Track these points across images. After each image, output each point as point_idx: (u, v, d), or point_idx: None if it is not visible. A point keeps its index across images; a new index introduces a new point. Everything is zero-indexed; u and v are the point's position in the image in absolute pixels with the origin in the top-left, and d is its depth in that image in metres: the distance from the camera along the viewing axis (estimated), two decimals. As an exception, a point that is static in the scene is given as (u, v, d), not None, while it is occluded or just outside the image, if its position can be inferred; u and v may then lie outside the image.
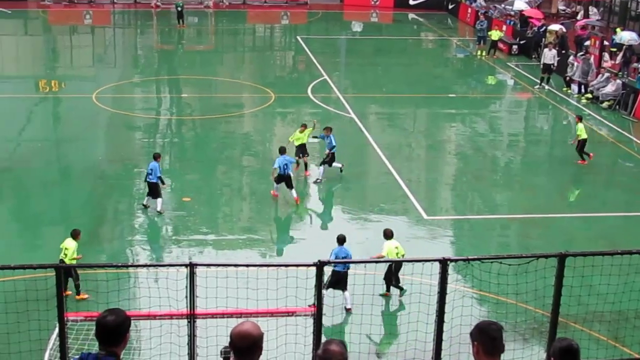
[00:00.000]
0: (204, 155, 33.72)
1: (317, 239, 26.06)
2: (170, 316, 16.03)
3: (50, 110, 42.76)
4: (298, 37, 61.72)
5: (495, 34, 54.48)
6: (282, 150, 28.52)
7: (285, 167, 28.13)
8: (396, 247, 21.57)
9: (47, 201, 29.10)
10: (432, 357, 14.69)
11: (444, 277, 13.97)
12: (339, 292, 20.91)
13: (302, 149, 31.21)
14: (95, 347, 7.50)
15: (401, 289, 21.66)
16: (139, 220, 27.54)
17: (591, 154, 33.67)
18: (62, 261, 21.13)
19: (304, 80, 47.76)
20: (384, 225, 27.36)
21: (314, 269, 13.95)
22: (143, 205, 27.56)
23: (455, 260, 16.67)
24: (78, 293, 21.48)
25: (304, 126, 31.69)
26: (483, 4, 67.52)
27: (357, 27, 70.06)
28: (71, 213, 28.27)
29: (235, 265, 14.58)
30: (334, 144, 30.52)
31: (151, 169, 27.11)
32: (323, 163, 30.74)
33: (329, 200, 30.33)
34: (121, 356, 7.29)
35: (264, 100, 42.39)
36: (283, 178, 28.25)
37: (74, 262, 21.28)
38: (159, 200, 27.38)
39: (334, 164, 30.95)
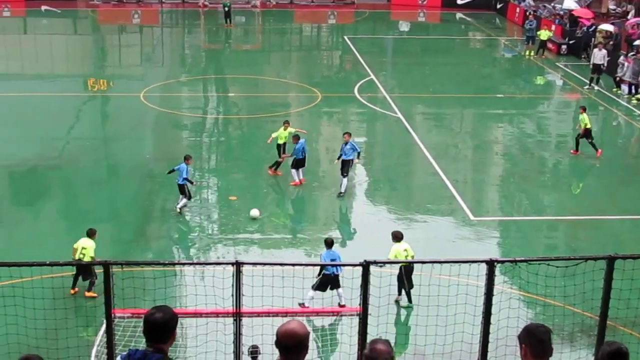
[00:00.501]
0: (250, 155, 33.80)
1: (363, 239, 26.02)
2: (216, 314, 16.05)
3: (99, 108, 43.12)
4: (345, 37, 61.65)
5: (544, 34, 54.04)
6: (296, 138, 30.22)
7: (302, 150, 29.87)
8: (405, 250, 21.32)
9: (94, 199, 29.33)
10: (478, 358, 14.58)
11: (491, 279, 13.86)
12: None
13: (282, 148, 31.26)
14: (142, 344, 7.53)
15: (410, 300, 20.95)
16: (186, 218, 27.66)
17: (599, 150, 34.04)
18: (80, 261, 21.31)
19: (350, 80, 47.70)
20: (430, 225, 27.37)
21: (359, 268, 13.91)
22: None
23: (503, 262, 16.52)
24: (89, 290, 21.65)
25: (288, 123, 31.76)
26: (532, 3, 66.94)
27: (404, 26, 69.86)
28: (118, 211, 28.49)
29: (282, 265, 14.56)
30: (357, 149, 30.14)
31: (179, 170, 27.22)
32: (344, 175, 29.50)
33: (375, 200, 30.26)
34: (168, 353, 7.30)
35: (310, 100, 42.41)
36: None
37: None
38: (183, 199, 27.37)
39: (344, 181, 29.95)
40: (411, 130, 37.37)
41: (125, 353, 7.47)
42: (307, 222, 28.19)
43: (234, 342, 14.35)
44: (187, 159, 27.38)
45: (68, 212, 28.17)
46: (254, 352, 16.19)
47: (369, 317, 14.33)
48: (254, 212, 26.52)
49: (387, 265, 20.86)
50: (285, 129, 31.23)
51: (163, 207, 28.93)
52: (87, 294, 21.57)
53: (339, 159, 29.46)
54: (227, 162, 33.42)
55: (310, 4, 74.40)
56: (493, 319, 14.08)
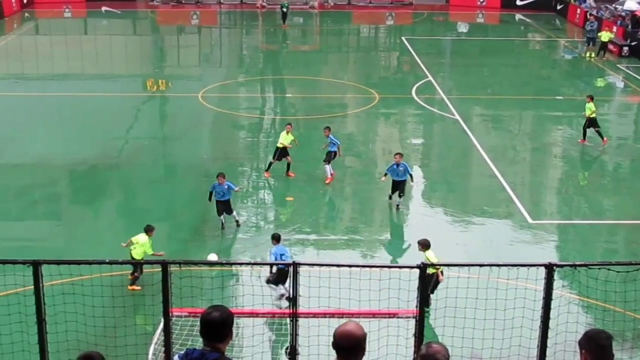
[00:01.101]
0: (306, 155, 33.82)
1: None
2: (273, 314, 16.10)
3: (157, 108, 43.49)
4: (402, 38, 61.53)
5: (605, 35, 53.44)
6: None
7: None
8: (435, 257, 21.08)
9: (153, 198, 29.58)
10: (536, 363, 14.45)
11: (550, 283, 13.72)
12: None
13: (284, 152, 31.08)
14: (198, 343, 7.55)
15: (428, 304, 20.42)
16: (242, 218, 27.74)
17: (603, 140, 35.15)
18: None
19: (408, 81, 47.59)
20: (487, 228, 27.18)
21: (416, 270, 13.85)
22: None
23: (562, 266, 16.41)
24: (132, 284, 21.93)
25: (290, 125, 31.77)
26: (593, 4, 66.21)
27: (462, 27, 69.49)
28: (176, 210, 28.70)
29: (338, 266, 14.56)
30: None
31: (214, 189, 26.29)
32: (397, 194, 28.54)
33: (431, 202, 30.13)
34: (225, 352, 7.32)
35: (367, 101, 42.37)
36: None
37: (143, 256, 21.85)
38: (234, 213, 26.79)
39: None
40: (469, 132, 37.16)
41: (182, 352, 7.50)
42: (364, 224, 28.14)
43: (290, 342, 14.37)
44: (218, 176, 26.37)
45: (126, 211, 28.44)
46: (292, 352, 16.23)
47: (425, 319, 14.28)
48: (212, 257, 23.11)
49: (445, 268, 20.73)
50: (287, 133, 31.15)
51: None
52: (130, 287, 21.82)
53: (385, 175, 28.52)
54: (283, 162, 33.45)
55: (368, 5, 74.36)
56: (551, 324, 13.94)
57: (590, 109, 34.79)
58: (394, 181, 28.20)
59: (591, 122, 34.94)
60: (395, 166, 27.97)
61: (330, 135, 30.71)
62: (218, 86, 46.05)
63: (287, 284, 21.06)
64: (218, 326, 7.27)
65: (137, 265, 21.45)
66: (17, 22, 65.77)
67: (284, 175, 30.98)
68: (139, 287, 21.81)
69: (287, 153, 31.03)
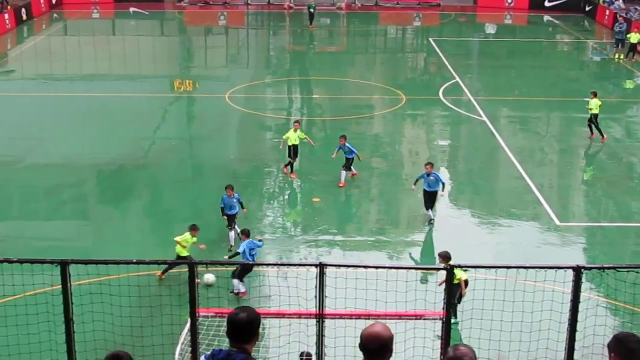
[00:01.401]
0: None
1: (447, 242, 25.77)
2: (299, 315, 16.07)
3: (185, 109, 43.62)
4: (430, 39, 61.40)
5: (634, 37, 53.09)
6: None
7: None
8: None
9: (180, 199, 29.65)
10: (563, 366, 14.38)
11: (578, 286, 13.64)
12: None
13: (294, 151, 31.16)
14: (225, 344, 7.56)
15: (455, 315, 19.98)
16: (269, 219, 27.80)
17: (603, 137, 35.97)
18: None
19: (435, 83, 47.48)
20: (515, 230, 27.07)
21: (443, 273, 13.82)
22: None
23: (590, 269, 16.26)
24: (163, 272, 22.42)
25: (298, 124, 31.93)
26: (622, 6, 65.76)
27: (490, 29, 69.27)
28: (203, 211, 28.75)
29: (366, 267, 14.53)
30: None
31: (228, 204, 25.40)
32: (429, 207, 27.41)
33: (458, 204, 30.04)
34: (252, 353, 7.32)
35: (394, 103, 42.32)
36: None
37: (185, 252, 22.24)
38: (231, 234, 25.27)
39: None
40: (496, 134, 37.04)
41: (209, 353, 7.50)
42: (390, 225, 28.10)
43: (316, 343, 14.36)
44: (227, 188, 25.51)
45: (154, 211, 28.55)
46: (307, 358, 16.26)
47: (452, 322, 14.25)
48: (209, 278, 22.29)
49: (472, 270, 20.66)
50: (295, 131, 31.20)
51: (247, 208, 29.12)
52: (159, 273, 22.02)
53: (415, 184, 27.59)
54: (310, 164, 33.45)
55: (395, 6, 74.25)
56: (579, 327, 13.85)
57: (593, 105, 35.73)
58: (425, 192, 27.10)
59: (594, 118, 35.97)
60: (426, 176, 26.87)
61: (348, 144, 30.15)
62: (245, 87, 46.14)
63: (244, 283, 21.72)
64: (245, 327, 7.27)
65: (171, 264, 21.72)
66: (46, 23, 66.19)
67: (312, 177, 30.99)
68: (164, 277, 22.29)
69: (296, 153, 31.20)
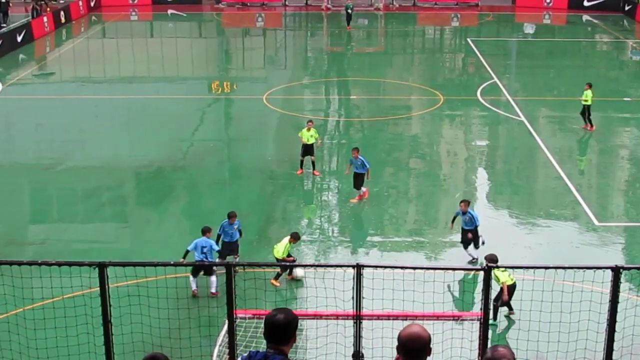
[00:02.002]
0: (371, 157, 33.69)
1: (485, 243, 25.66)
2: (337, 316, 16.09)
3: (222, 110, 43.79)
4: (468, 39, 61.18)
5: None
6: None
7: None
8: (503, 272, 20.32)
9: (218, 200, 29.75)
10: (602, 367, 14.28)
11: (616, 286, 13.55)
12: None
13: (308, 149, 31.15)
14: (262, 345, 7.57)
15: (495, 316, 19.81)
16: (307, 220, 27.83)
17: (592, 127, 37.19)
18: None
19: (473, 83, 47.30)
20: (553, 230, 26.90)
21: (481, 273, 13.77)
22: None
23: (629, 269, 16.14)
24: (275, 278, 22.65)
25: (311, 122, 31.85)
26: (661, 4, 65.25)
27: (529, 28, 68.84)
28: (241, 212, 28.76)
29: (403, 268, 14.51)
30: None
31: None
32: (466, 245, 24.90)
33: (496, 204, 29.91)
34: (289, 355, 7.32)
35: (432, 103, 42.19)
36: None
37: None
38: (212, 278, 22.26)
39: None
40: (534, 134, 36.82)
41: (246, 354, 7.50)
42: (428, 225, 28.02)
43: (353, 344, 14.36)
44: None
45: (192, 213, 28.66)
46: (357, 356, 16.20)
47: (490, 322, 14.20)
48: (299, 272, 22.69)
49: (510, 270, 20.53)
50: (308, 130, 31.16)
51: (284, 209, 29.20)
52: (272, 281, 22.40)
53: (452, 222, 25.27)
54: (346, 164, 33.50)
55: (433, 7, 74.07)
56: (618, 327, 13.76)
57: (587, 96, 36.71)
58: (462, 230, 24.91)
59: (585, 109, 36.99)
60: (461, 213, 24.78)
61: (360, 157, 28.55)
62: (283, 88, 46.23)
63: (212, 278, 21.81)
64: (282, 328, 7.27)
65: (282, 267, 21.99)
66: (84, 25, 66.70)
67: (348, 178, 30.98)
68: (278, 284, 22.50)
69: (312, 151, 31.22)
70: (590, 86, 36.76)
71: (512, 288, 20.26)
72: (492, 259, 19.84)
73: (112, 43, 61.83)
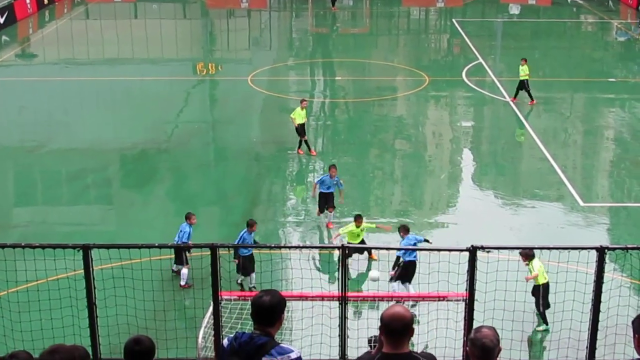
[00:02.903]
0: (356, 138, 33.80)
1: (470, 224, 25.73)
2: (322, 298, 16.09)
3: (207, 92, 43.65)
4: (453, 20, 61.10)
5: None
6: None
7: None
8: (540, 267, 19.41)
9: (203, 182, 29.71)
10: (586, 346, 14.34)
11: (601, 266, 13.61)
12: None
13: (302, 128, 31.09)
14: (248, 326, 7.54)
15: (545, 321, 19.25)
16: (292, 202, 27.81)
17: (532, 101, 37.83)
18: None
19: (458, 64, 47.27)
20: (538, 211, 26.95)
21: (466, 254, 13.79)
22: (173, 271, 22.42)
23: (613, 249, 16.21)
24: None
25: (305, 101, 31.80)
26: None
27: (514, 9, 68.67)
28: (226, 194, 28.79)
29: (388, 249, 14.52)
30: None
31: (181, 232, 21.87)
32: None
33: (482, 185, 29.95)
34: (275, 336, 7.30)
35: (417, 84, 42.15)
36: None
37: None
38: (184, 270, 21.74)
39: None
40: (520, 115, 36.84)
41: (231, 335, 7.49)
42: (413, 206, 28.03)
43: (339, 325, 14.37)
44: (188, 217, 21.99)
45: (177, 195, 28.59)
46: (375, 341, 16.14)
47: (475, 303, 14.22)
48: (374, 274, 18.84)
49: (495, 251, 20.55)
50: (302, 109, 31.10)
51: (270, 191, 29.16)
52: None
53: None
54: (333, 145, 33.44)
55: (418, -13, 73.78)
56: (603, 307, 13.82)
57: (524, 71, 37.44)
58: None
59: (523, 84, 37.64)
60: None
61: (337, 177, 25.55)
62: (267, 69, 46.11)
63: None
64: (268, 310, 7.24)
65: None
66: (67, 6, 66.25)
67: (334, 159, 30.91)
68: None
69: (304, 131, 31.13)
70: (525, 61, 37.61)
71: (546, 287, 19.16)
72: (528, 254, 18.93)
73: (96, 24, 61.43)
